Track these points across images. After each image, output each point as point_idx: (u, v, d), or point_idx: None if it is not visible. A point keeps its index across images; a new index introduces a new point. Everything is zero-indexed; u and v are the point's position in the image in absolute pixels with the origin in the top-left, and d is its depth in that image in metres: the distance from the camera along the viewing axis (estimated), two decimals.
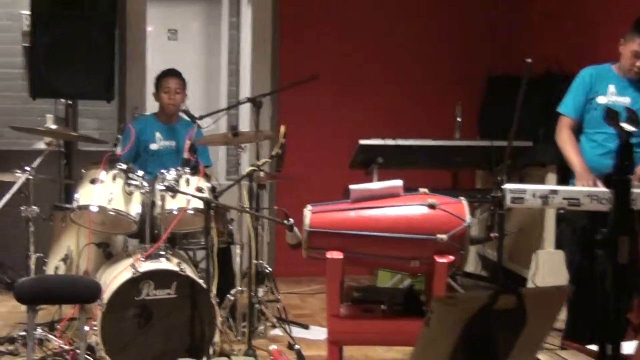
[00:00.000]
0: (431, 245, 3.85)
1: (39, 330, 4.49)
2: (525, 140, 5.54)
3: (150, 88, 6.68)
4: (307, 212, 3.96)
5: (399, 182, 4.06)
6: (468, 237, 3.89)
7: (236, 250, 5.08)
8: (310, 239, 3.92)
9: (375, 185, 4.09)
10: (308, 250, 3.95)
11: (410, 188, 4.13)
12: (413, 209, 3.95)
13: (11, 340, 4.76)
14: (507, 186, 4.10)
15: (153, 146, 5.51)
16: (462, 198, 4.03)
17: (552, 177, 5.62)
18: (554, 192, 4.13)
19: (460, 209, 3.95)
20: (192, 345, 4.26)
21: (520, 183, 4.46)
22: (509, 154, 4.11)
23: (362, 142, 5.55)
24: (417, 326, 3.88)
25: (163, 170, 4.71)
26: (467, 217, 3.91)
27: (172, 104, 5.47)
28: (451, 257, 3.87)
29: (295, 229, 3.90)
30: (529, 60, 3.84)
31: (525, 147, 5.56)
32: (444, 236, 3.85)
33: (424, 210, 3.94)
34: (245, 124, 7.07)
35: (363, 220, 3.93)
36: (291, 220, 3.89)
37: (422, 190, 4.10)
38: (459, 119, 6.26)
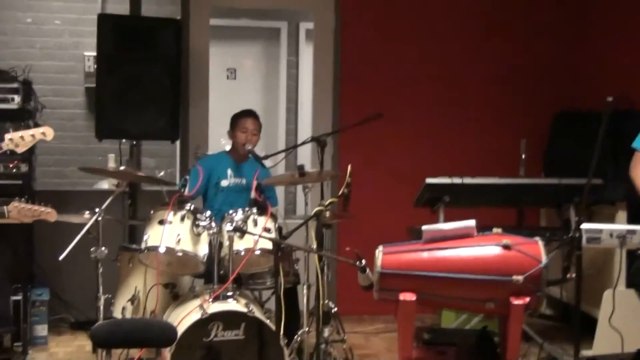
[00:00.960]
0: (507, 287, 3.78)
1: None
2: (595, 178, 5.42)
3: (213, 127, 6.75)
4: (379, 253, 3.92)
5: (471, 222, 3.99)
6: (545, 278, 3.79)
7: (303, 290, 5.02)
8: (383, 280, 3.87)
9: (448, 225, 4.02)
10: (380, 292, 3.90)
11: (479, 227, 4.06)
12: (487, 249, 3.88)
13: None
14: (584, 226, 3.99)
15: (224, 182, 5.50)
16: (537, 238, 3.95)
17: (622, 215, 5.49)
18: (632, 231, 4.01)
19: (535, 250, 3.87)
20: None
21: (590, 222, 4.35)
22: (586, 191, 4.01)
23: (429, 180, 5.48)
24: None
25: (231, 211, 4.71)
26: (543, 258, 3.83)
27: (248, 143, 5.45)
28: (527, 299, 3.78)
29: (368, 271, 3.83)
30: (610, 98, 3.76)
31: (596, 184, 5.44)
32: (520, 278, 3.77)
33: (499, 251, 3.87)
34: (304, 163, 7.00)
35: (436, 261, 3.87)
36: (364, 261, 3.82)
37: (495, 230, 4.03)
38: (523, 156, 6.18)
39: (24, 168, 5.53)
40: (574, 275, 3.89)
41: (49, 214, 4.15)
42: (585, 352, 5.31)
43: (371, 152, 6.76)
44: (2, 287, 5.88)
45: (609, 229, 4.04)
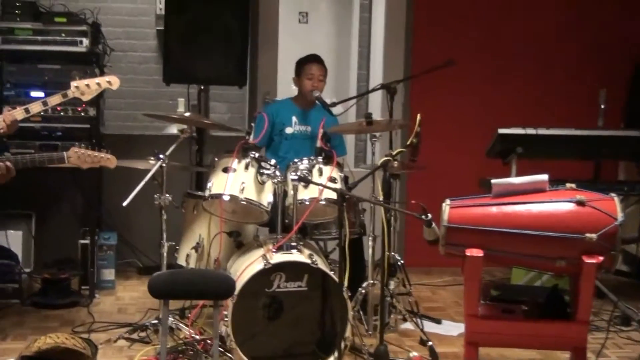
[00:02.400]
0: (579, 244, 3.63)
1: (170, 319, 4.50)
2: None
3: (281, 72, 6.66)
4: (446, 206, 3.81)
5: (544, 177, 3.84)
6: (620, 236, 3.63)
7: (368, 242, 4.96)
8: (449, 235, 3.77)
9: (519, 179, 3.87)
10: (446, 246, 3.80)
11: (552, 180, 3.90)
12: (560, 205, 3.72)
13: (143, 328, 4.81)
14: None
15: (288, 130, 5.45)
16: (613, 194, 3.76)
17: None
18: None
19: (611, 207, 3.69)
20: (323, 339, 4.23)
21: None
22: None
23: (502, 131, 5.36)
24: (561, 329, 3.77)
25: (296, 160, 4.65)
26: (619, 215, 3.65)
27: (315, 90, 5.36)
28: (600, 258, 3.64)
29: (434, 225, 3.72)
30: None
31: None
32: (593, 235, 3.61)
33: (572, 207, 3.70)
34: (375, 111, 6.90)
35: (506, 216, 3.73)
36: (429, 215, 3.71)
37: (569, 185, 3.86)
38: (602, 106, 5.95)
39: (92, 112, 5.55)
40: None
41: (109, 160, 4.16)
42: None
43: (442, 100, 6.62)
44: (71, 231, 5.98)
45: None
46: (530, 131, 5.38)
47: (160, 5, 6.50)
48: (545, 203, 3.74)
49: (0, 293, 5.44)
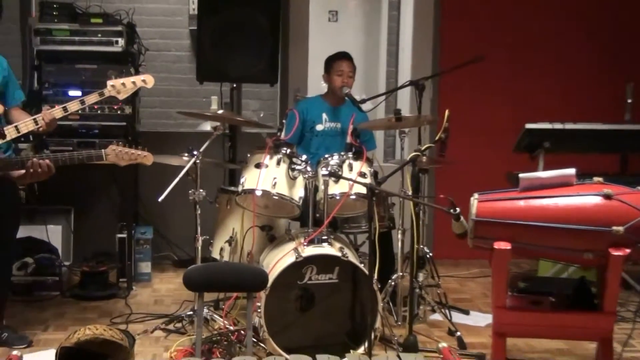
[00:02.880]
0: (606, 237, 3.60)
1: (205, 311, 4.52)
2: None
3: (311, 70, 6.66)
4: (474, 200, 3.80)
5: (571, 171, 3.82)
6: None
7: (397, 235, 4.96)
8: (477, 228, 3.76)
9: (546, 173, 3.85)
10: (474, 239, 3.79)
11: (579, 174, 3.87)
12: (587, 199, 3.70)
13: (178, 319, 4.84)
14: None
15: (319, 127, 5.45)
16: None
17: None
18: None
19: (638, 200, 3.66)
20: (353, 330, 4.23)
21: None
22: None
23: (529, 125, 5.32)
24: (588, 320, 3.75)
25: (327, 155, 4.65)
26: None
27: (345, 86, 5.34)
28: (627, 250, 3.61)
29: (462, 219, 3.71)
30: None
31: None
32: (620, 228, 3.58)
33: (599, 200, 3.68)
34: (404, 107, 6.91)
35: (533, 210, 3.72)
36: (458, 209, 3.70)
37: (596, 179, 3.84)
38: (629, 101, 5.90)
39: (127, 110, 5.58)
40: None
41: (146, 157, 4.18)
42: None
43: (470, 96, 6.59)
44: (109, 225, 6.02)
45: None
46: (558, 126, 5.34)
47: (193, 6, 6.53)
48: (572, 197, 3.72)
49: (41, 285, 5.49)
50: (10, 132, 4.09)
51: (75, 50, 5.58)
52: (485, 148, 6.53)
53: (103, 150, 4.09)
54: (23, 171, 4.05)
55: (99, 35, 5.59)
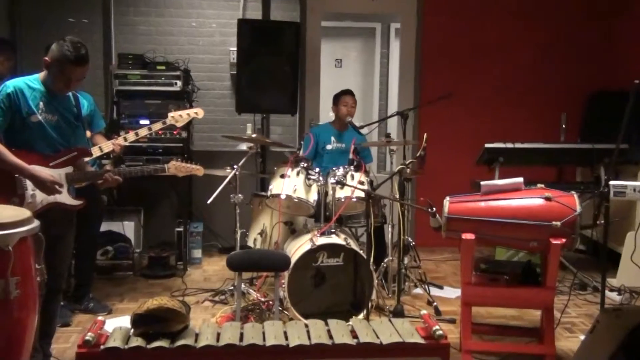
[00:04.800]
0: (547, 230, 3.57)
1: (242, 286, 4.51)
2: (622, 143, 5.08)
3: (322, 104, 6.66)
4: (446, 202, 3.77)
5: (520, 179, 3.79)
6: (578, 224, 3.57)
7: (388, 228, 4.94)
8: (449, 223, 3.72)
9: (501, 181, 3.82)
10: (447, 232, 3.76)
11: (526, 182, 3.84)
12: (533, 200, 3.67)
13: (222, 292, 4.83)
14: (612, 182, 3.73)
15: (328, 147, 5.44)
16: (573, 192, 3.70)
17: None
18: None
19: (571, 201, 3.63)
20: (355, 301, 4.21)
21: (617, 179, 4.09)
22: (616, 153, 3.74)
23: (488, 145, 5.31)
24: (533, 293, 3.72)
25: (334, 168, 4.64)
26: (578, 208, 3.59)
27: (349, 115, 5.35)
28: (564, 240, 3.57)
29: (437, 216, 3.69)
30: (637, 81, 3.45)
31: (623, 148, 5.10)
32: (558, 223, 3.55)
33: (542, 202, 3.65)
34: (392, 131, 6.90)
35: (492, 209, 3.69)
36: (434, 208, 3.68)
37: (539, 185, 3.81)
38: (563, 125, 5.89)
39: (184, 134, 5.59)
40: (602, 222, 3.64)
41: (198, 170, 4.18)
42: (610, 280, 5.05)
43: (443, 122, 6.53)
44: (169, 222, 6.01)
45: (632, 185, 3.80)
46: (510, 145, 5.32)
47: (233, 56, 6.51)
48: (521, 199, 3.69)
49: (119, 267, 5.49)
50: (95, 152, 4.11)
51: (144, 90, 5.60)
52: (454, 161, 6.48)
53: (165, 164, 4.09)
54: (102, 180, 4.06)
55: (163, 78, 5.61)
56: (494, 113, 6.64)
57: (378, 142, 5.58)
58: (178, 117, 4.34)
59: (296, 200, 4.50)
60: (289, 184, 4.49)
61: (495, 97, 6.67)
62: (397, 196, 4.74)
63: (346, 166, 4.60)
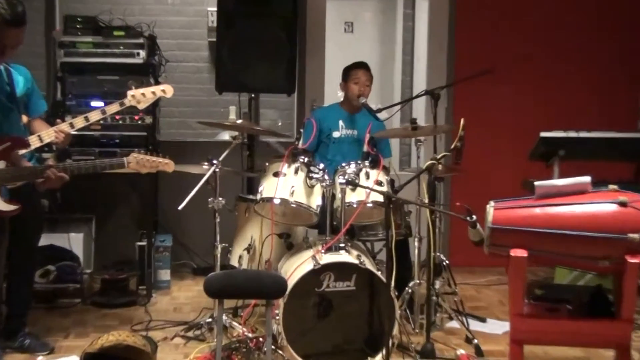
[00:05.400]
0: (622, 244, 3.55)
1: (224, 318, 4.50)
2: None
3: (328, 80, 6.65)
4: (490, 208, 3.75)
5: (587, 179, 3.77)
6: None
7: (414, 243, 4.93)
8: (494, 236, 3.71)
9: (562, 181, 3.80)
10: (490, 247, 3.75)
11: (594, 182, 3.83)
12: (603, 206, 3.64)
13: (198, 326, 4.82)
14: None
15: (335, 134, 5.45)
16: None
17: None
18: None
19: None
20: (371, 337, 4.19)
21: None
22: None
23: (543, 134, 5.31)
24: (605, 328, 3.70)
25: (344, 164, 4.63)
26: None
27: (362, 95, 5.36)
28: None
29: (479, 226, 3.68)
30: None
31: None
32: (636, 235, 3.53)
33: (615, 208, 3.62)
34: (419, 116, 6.89)
35: (549, 217, 3.67)
36: (474, 216, 3.67)
37: (611, 186, 3.78)
38: None
39: (148, 120, 5.60)
40: None
41: (167, 164, 4.17)
42: None
43: (485, 104, 6.56)
44: (129, 233, 6.02)
45: None
46: (572, 134, 5.32)
47: (212, 18, 6.51)
48: (588, 204, 3.67)
49: (63, 293, 5.49)
50: (33, 142, 4.09)
51: (97, 62, 5.62)
52: (501, 156, 6.50)
53: (124, 158, 4.08)
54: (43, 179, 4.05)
55: (121, 47, 5.62)
56: (552, 93, 6.64)
57: (400, 129, 5.56)
58: (140, 96, 4.33)
59: (294, 205, 4.48)
60: (285, 185, 4.49)
61: (554, 72, 6.66)
62: (426, 200, 4.72)
63: (359, 161, 4.58)
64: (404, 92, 8.01)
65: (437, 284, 5.11)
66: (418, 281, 4.94)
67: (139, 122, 5.57)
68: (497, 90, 6.48)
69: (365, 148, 4.69)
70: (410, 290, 4.95)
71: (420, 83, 7.43)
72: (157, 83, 5.67)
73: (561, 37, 6.67)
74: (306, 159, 4.60)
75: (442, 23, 6.67)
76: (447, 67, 6.67)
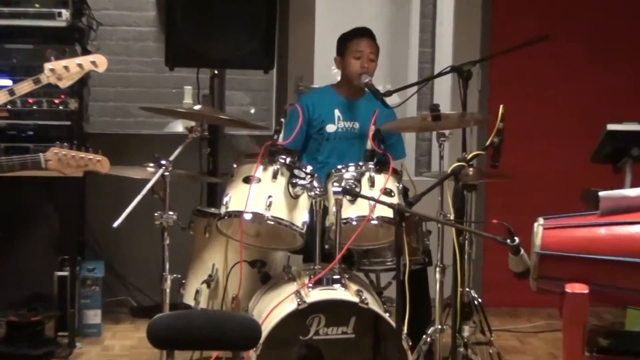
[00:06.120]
0: None
1: None
2: None
3: (319, 52, 6.68)
4: (539, 227, 3.76)
5: None
6: None
7: (435, 274, 4.94)
8: (543, 265, 3.72)
9: (635, 191, 3.83)
10: (539, 280, 3.75)
11: None
12: None
13: None
14: None
15: (330, 128, 5.48)
16: None
17: None
18: None
19: None
20: None
21: None
22: None
23: (611, 127, 5.32)
24: None
25: (340, 166, 4.66)
26: None
27: (365, 73, 5.36)
28: None
29: (522, 252, 3.69)
30: None
31: None
32: None
33: None
34: (443, 101, 6.90)
35: (618, 240, 3.69)
36: (516, 239, 3.68)
37: None
38: None
39: (72, 105, 5.59)
40: None
41: (99, 163, 4.15)
42: None
43: (532, 88, 6.59)
44: (45, 260, 6.00)
45: None
46: None
47: None
48: None
49: None
50: None
51: (4, 26, 5.60)
52: (552, 157, 6.54)
53: (41, 154, 4.07)
54: None
55: (37, 5, 5.61)
56: (622, 75, 6.68)
57: (417, 120, 5.56)
58: (62, 70, 4.32)
59: (272, 222, 4.50)
60: (260, 195, 4.51)
61: (623, 49, 6.73)
62: (451, 217, 4.74)
63: (361, 163, 4.62)
64: (421, 69, 8.05)
65: (466, 331, 5.12)
66: (440, 326, 4.95)
67: (61, 107, 5.57)
68: (550, 69, 6.52)
69: (370, 145, 4.71)
70: (429, 339, 4.96)
71: (444, 56, 7.47)
72: (86, 53, 5.67)
73: (630, 13, 6.72)
74: (289, 160, 4.61)
75: None
76: (481, 35, 6.72)
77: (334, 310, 4.21)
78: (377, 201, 4.33)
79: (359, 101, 5.51)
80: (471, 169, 4.77)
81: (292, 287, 4.39)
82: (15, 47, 5.60)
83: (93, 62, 4.36)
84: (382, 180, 4.56)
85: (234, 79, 6.79)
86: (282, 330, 4.15)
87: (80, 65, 4.32)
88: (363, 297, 4.25)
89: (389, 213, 4.35)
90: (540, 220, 3.80)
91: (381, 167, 4.60)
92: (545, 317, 6.30)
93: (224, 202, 4.62)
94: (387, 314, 4.28)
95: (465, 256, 4.94)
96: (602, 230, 3.75)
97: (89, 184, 5.53)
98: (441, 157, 5.13)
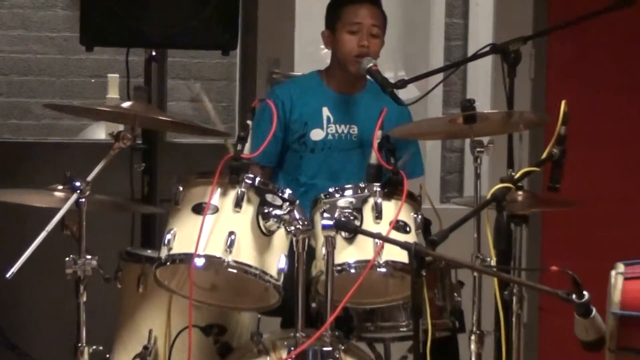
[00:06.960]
0: None
1: None
2: None
3: (299, 27, 6.71)
4: (618, 277, 3.79)
5: None
6: None
7: (470, 344, 4.96)
8: (624, 331, 3.75)
9: None
10: (618, 352, 3.77)
11: None
12: None
13: None
14: None
15: (316, 134, 5.53)
16: None
17: None
18: None
19: None
20: None
21: None
22: None
23: None
24: None
25: (332, 189, 4.67)
26: None
27: (367, 54, 5.39)
28: None
29: (595, 313, 3.70)
30: None
31: None
32: None
33: None
34: (479, 96, 6.97)
35: None
36: (585, 294, 3.68)
37: None
38: None
39: None
40: None
41: None
42: None
43: (607, 78, 6.61)
44: None
45: None
46: None
47: None
48: None
49: None
50: None
51: None
52: (635, 177, 6.56)
53: None
54: None
55: None
56: None
57: (443, 122, 5.58)
58: None
59: (234, 270, 4.51)
60: (217, 230, 4.52)
61: None
62: (492, 262, 4.75)
63: (362, 183, 4.65)
64: (449, 48, 8.10)
65: None
66: None
67: None
68: (635, 49, 6.56)
69: (374, 158, 4.72)
70: None
71: (481, 32, 7.52)
72: None
73: None
74: (258, 181, 4.62)
75: None
76: (533, 4, 6.73)
77: None
78: (386, 240, 4.35)
79: (359, 95, 5.56)
80: (521, 192, 4.79)
81: None
82: None
83: None
84: (393, 209, 4.57)
85: (178, 63, 6.81)
86: None
87: None
88: None
89: (402, 257, 4.37)
90: (620, 267, 3.82)
91: (391, 190, 4.61)
92: None
93: (166, 242, 4.60)
94: None
95: (513, 319, 4.96)
96: None
97: None
98: (477, 176, 5.15)
